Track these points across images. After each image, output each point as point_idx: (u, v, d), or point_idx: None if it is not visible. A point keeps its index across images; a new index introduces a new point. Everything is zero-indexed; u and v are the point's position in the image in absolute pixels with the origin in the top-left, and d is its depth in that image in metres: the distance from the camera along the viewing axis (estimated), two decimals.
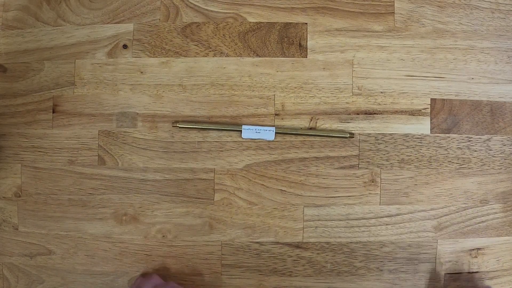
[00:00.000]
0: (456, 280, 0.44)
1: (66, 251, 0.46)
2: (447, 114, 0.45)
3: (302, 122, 0.45)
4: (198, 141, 0.45)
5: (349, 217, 0.45)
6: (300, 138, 0.45)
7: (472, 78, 0.46)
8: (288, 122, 0.45)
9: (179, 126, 0.45)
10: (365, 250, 0.45)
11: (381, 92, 0.45)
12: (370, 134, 0.45)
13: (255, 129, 0.44)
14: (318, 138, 0.45)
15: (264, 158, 0.45)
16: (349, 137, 0.44)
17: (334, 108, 0.45)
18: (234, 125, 0.45)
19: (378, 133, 0.45)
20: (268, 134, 0.44)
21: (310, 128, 0.45)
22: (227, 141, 0.45)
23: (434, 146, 0.45)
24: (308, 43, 0.46)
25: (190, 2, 0.46)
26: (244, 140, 0.45)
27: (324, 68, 0.46)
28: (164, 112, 0.46)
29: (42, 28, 0.47)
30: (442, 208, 0.45)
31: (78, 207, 0.46)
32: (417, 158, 0.45)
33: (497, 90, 0.46)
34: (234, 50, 0.46)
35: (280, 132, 0.45)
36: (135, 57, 0.46)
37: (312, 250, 0.45)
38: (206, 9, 0.46)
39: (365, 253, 0.45)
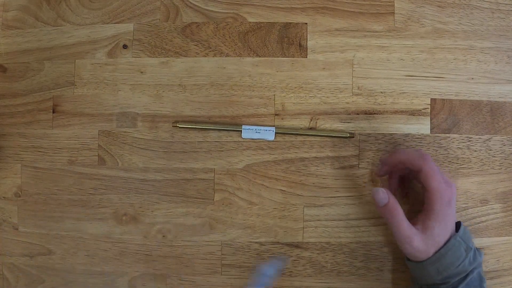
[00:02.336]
0: None
1: (66, 251, 0.46)
2: (447, 114, 0.45)
3: (302, 122, 0.45)
4: (198, 141, 0.45)
5: (349, 217, 0.45)
6: (300, 138, 0.45)
7: (472, 78, 0.46)
8: (288, 122, 0.45)
9: (179, 126, 0.45)
10: (365, 250, 0.45)
11: (381, 92, 0.45)
12: (370, 134, 0.45)
13: (255, 129, 0.44)
14: (318, 138, 0.45)
15: (264, 158, 0.45)
16: (349, 137, 0.44)
17: (334, 108, 0.45)
18: (234, 125, 0.45)
19: (378, 133, 0.45)
20: (268, 134, 0.44)
21: (310, 128, 0.45)
22: (227, 141, 0.45)
23: (434, 146, 0.45)
24: (308, 43, 0.46)
25: (190, 2, 0.46)
26: (244, 140, 0.45)
27: (324, 68, 0.46)
28: (164, 112, 0.46)
29: (42, 28, 0.47)
30: None
31: (78, 207, 0.46)
32: None
33: (497, 90, 0.46)
34: (234, 50, 0.46)
35: (280, 132, 0.45)
36: (135, 57, 0.46)
37: (312, 250, 0.45)
38: (206, 9, 0.46)
39: (365, 253, 0.45)
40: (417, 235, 0.37)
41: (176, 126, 0.45)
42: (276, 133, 0.44)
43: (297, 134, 0.45)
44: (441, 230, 0.37)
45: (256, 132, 0.44)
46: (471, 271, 0.38)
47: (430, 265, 0.38)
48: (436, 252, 0.37)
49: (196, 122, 0.45)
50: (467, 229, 0.40)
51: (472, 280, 0.37)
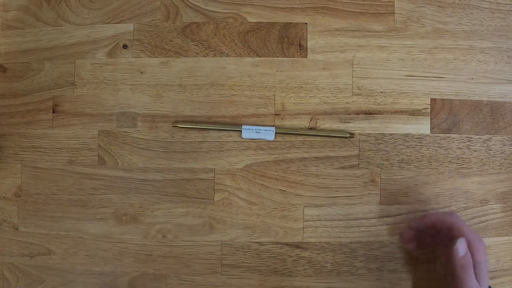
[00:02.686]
0: None
1: (66, 251, 0.46)
2: (447, 114, 0.46)
3: (302, 122, 0.45)
4: (198, 141, 0.45)
5: (349, 217, 0.45)
6: (300, 138, 0.45)
7: (472, 78, 0.46)
8: (288, 122, 0.45)
9: (179, 126, 0.45)
10: (365, 250, 0.45)
11: (381, 92, 0.45)
12: (370, 134, 0.45)
13: (255, 129, 0.44)
14: (318, 138, 0.45)
15: (264, 158, 0.45)
16: (349, 137, 0.44)
17: (334, 108, 0.45)
18: (234, 125, 0.45)
19: (378, 133, 0.45)
20: (268, 134, 0.44)
21: (310, 128, 0.45)
22: (227, 141, 0.45)
23: (434, 146, 0.45)
24: (308, 43, 0.46)
25: (190, 2, 0.46)
26: (244, 140, 0.45)
27: (324, 68, 0.46)
28: (164, 112, 0.46)
29: (42, 28, 0.47)
30: (442, 208, 0.45)
31: (78, 207, 0.46)
32: (417, 158, 0.45)
33: (497, 90, 0.46)
34: (234, 50, 0.46)
35: (280, 132, 0.45)
36: (135, 57, 0.46)
37: (312, 250, 0.45)
38: (206, 9, 0.46)
39: (365, 253, 0.45)
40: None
41: (176, 126, 0.45)
42: (276, 133, 0.44)
43: (297, 134, 0.45)
44: (485, 282, 0.37)
45: (256, 132, 0.44)
46: None
47: None
48: None
49: (196, 122, 0.45)
50: None
51: None
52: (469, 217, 0.45)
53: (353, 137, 0.45)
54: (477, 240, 0.38)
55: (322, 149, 0.45)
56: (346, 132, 0.45)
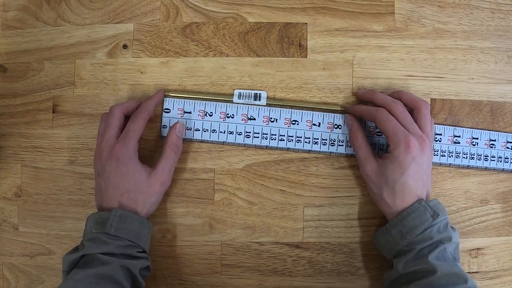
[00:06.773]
0: None
1: (66, 251, 0.46)
2: (447, 114, 0.46)
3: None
4: (198, 141, 0.45)
5: (349, 217, 0.45)
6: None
7: (472, 78, 0.46)
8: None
9: (171, 95, 0.45)
10: (365, 250, 0.45)
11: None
12: None
13: (246, 93, 0.44)
14: None
15: (264, 158, 0.45)
16: (340, 110, 0.44)
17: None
18: (225, 95, 0.45)
19: None
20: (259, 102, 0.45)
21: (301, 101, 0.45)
22: (227, 141, 0.45)
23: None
24: (308, 43, 0.46)
25: (190, 2, 0.46)
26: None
27: (324, 68, 0.46)
28: None
29: (42, 28, 0.47)
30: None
31: (78, 207, 0.46)
32: None
33: (497, 90, 0.46)
34: (234, 50, 0.46)
35: (272, 103, 0.44)
36: (135, 57, 0.46)
37: (312, 250, 0.45)
38: (206, 9, 0.46)
39: (365, 253, 0.45)
40: (372, 163, 0.40)
41: (168, 96, 0.45)
42: (268, 104, 0.45)
43: (288, 106, 0.45)
44: (396, 174, 0.38)
45: (247, 97, 0.45)
46: (441, 242, 0.37)
47: (393, 227, 0.38)
48: (398, 214, 0.38)
49: (188, 92, 0.45)
50: (441, 205, 0.39)
51: (443, 252, 0.36)
52: (469, 217, 0.45)
53: (344, 111, 0.44)
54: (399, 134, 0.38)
55: None
56: (338, 105, 0.45)
